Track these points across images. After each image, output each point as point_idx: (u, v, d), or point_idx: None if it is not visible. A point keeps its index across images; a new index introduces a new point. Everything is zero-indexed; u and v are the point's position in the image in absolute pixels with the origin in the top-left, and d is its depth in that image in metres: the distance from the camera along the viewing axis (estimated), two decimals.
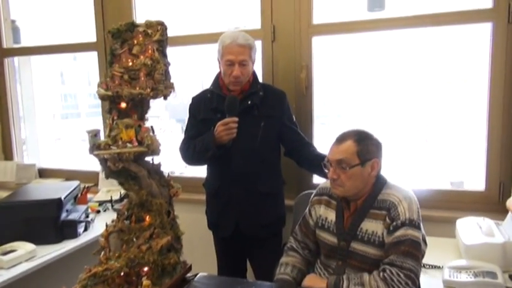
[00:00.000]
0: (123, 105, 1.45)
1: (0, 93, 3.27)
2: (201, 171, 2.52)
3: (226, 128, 1.87)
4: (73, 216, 2.16)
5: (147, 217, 1.43)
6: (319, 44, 2.42)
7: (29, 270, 1.82)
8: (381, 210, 1.53)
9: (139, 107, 1.48)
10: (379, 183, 1.59)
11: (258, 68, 2.18)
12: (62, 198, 2.07)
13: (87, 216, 2.30)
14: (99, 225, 2.25)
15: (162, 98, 1.45)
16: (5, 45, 3.24)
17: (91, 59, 3.03)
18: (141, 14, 2.81)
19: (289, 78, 2.44)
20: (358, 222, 1.56)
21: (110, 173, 1.38)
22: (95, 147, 1.34)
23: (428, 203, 2.17)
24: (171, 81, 1.47)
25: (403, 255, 1.41)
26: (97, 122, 3.18)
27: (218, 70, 2.05)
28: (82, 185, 2.56)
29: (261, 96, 1.99)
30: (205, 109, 2.04)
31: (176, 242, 1.50)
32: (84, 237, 2.13)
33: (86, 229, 2.20)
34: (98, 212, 2.50)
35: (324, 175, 1.91)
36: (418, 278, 1.44)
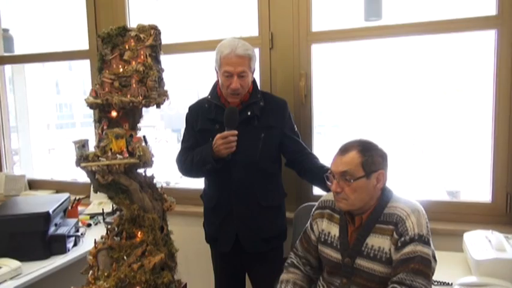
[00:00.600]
0: (114, 113, 1.37)
1: None
2: (198, 183, 2.43)
3: (225, 141, 1.78)
4: (62, 230, 2.06)
5: (139, 233, 1.35)
6: (316, 52, 2.35)
7: None
8: (388, 224, 1.44)
9: (131, 116, 1.41)
10: (385, 196, 1.51)
11: (255, 76, 2.11)
12: (50, 212, 1.97)
13: (77, 230, 2.20)
14: (90, 239, 2.13)
15: (155, 106, 1.37)
16: None
17: (86, 68, 2.96)
18: (135, 22, 2.74)
19: (288, 87, 2.37)
20: (364, 238, 1.47)
21: (98, 187, 1.29)
22: (82, 158, 1.26)
23: (432, 215, 2.07)
24: (165, 88, 1.39)
25: (413, 273, 1.33)
26: (92, 132, 3.10)
27: (216, 79, 1.97)
28: (73, 197, 2.47)
29: (262, 106, 1.91)
30: (203, 119, 1.95)
31: (170, 259, 1.41)
32: (74, 253, 2.03)
33: (75, 244, 2.11)
34: (89, 225, 2.40)
35: (326, 188, 1.83)
36: None
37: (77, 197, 2.55)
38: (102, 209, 2.50)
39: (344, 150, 1.51)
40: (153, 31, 1.37)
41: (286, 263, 1.71)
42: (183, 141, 2.04)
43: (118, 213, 2.47)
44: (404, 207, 1.45)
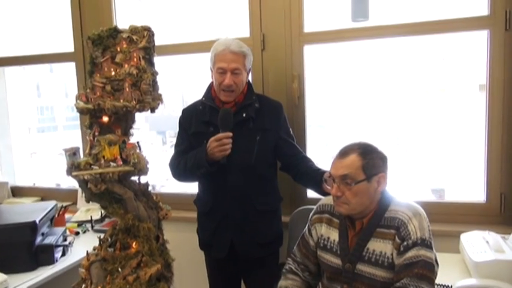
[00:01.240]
0: (106, 119, 1.31)
1: None
2: (189, 187, 2.38)
3: (219, 144, 1.74)
4: (49, 240, 1.98)
5: (134, 243, 1.29)
6: (305, 52, 2.32)
7: None
8: (389, 228, 1.42)
9: (123, 121, 1.35)
10: (385, 199, 1.48)
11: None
12: (37, 221, 1.89)
13: (65, 240, 2.12)
14: (79, 249, 2.07)
15: (150, 111, 1.31)
16: None
17: (68, 70, 2.87)
18: (122, 23, 2.67)
19: (281, 88, 2.34)
20: (365, 242, 1.45)
21: (91, 196, 1.23)
22: (74, 167, 1.19)
23: (427, 216, 2.07)
24: (159, 92, 1.33)
25: (417, 278, 1.31)
26: (75, 136, 3.01)
27: (210, 80, 1.93)
28: (59, 204, 2.38)
29: (257, 108, 1.87)
30: (196, 122, 1.90)
31: (166, 269, 1.36)
32: (62, 263, 1.95)
33: (63, 254, 2.03)
34: (77, 233, 2.32)
35: (322, 192, 1.80)
36: None
37: (64, 204, 2.46)
38: (91, 216, 2.42)
39: (344, 153, 1.48)
40: (146, 32, 1.32)
41: (284, 269, 1.68)
42: (176, 145, 1.98)
43: (107, 219, 2.42)
44: (405, 210, 1.43)
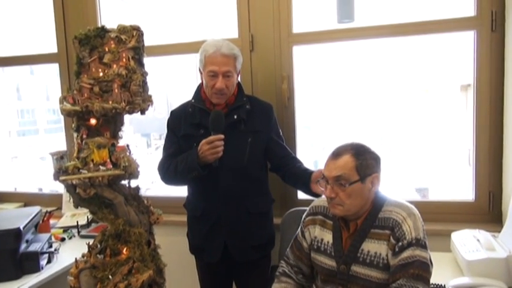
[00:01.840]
0: (93, 121, 1.27)
1: None
2: (177, 190, 2.34)
3: (211, 147, 1.71)
4: (34, 247, 1.91)
5: (125, 249, 1.25)
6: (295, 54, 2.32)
7: None
8: (384, 229, 1.41)
9: (112, 123, 1.31)
10: (379, 199, 1.48)
11: None
12: (21, 228, 1.82)
13: (50, 246, 2.05)
14: (65, 255, 2.02)
15: (140, 112, 1.27)
16: None
17: (49, 72, 2.80)
18: (107, 24, 2.61)
19: (270, 90, 2.32)
20: (359, 243, 1.44)
21: (79, 201, 1.19)
22: (62, 171, 1.15)
23: None
24: (149, 93, 1.30)
25: (413, 279, 1.31)
26: (58, 139, 2.93)
27: (200, 81, 1.89)
28: (43, 210, 2.31)
29: (248, 109, 1.85)
30: (186, 124, 1.87)
31: (158, 275, 1.32)
32: (48, 271, 1.89)
33: (49, 261, 1.96)
34: (63, 240, 2.25)
35: (310, 193, 1.79)
36: None
37: (48, 210, 2.39)
38: (77, 222, 2.36)
39: (337, 154, 1.47)
40: (135, 32, 1.28)
41: (278, 272, 1.66)
42: (164, 148, 1.94)
43: (94, 224, 2.36)
44: (399, 210, 1.43)
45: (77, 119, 1.25)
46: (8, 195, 2.96)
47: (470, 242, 1.76)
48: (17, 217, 1.97)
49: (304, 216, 1.66)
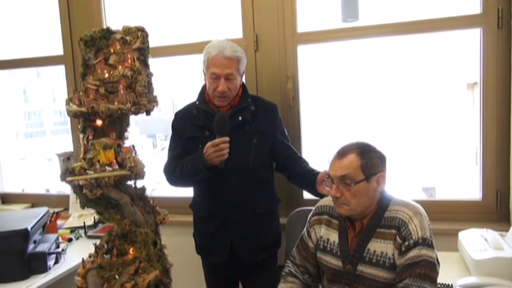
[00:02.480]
0: (99, 122, 1.28)
1: None
2: (183, 190, 2.34)
3: (216, 149, 1.71)
4: (42, 247, 1.93)
5: (131, 249, 1.26)
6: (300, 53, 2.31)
7: None
8: (390, 228, 1.41)
9: (118, 124, 1.32)
10: (385, 198, 1.47)
11: None
12: (29, 228, 1.84)
13: (57, 247, 2.07)
14: (72, 256, 2.03)
15: (145, 113, 1.28)
16: None
17: (56, 74, 2.83)
18: (112, 26, 2.62)
19: (275, 89, 2.32)
20: (365, 243, 1.43)
21: (86, 202, 1.20)
22: (68, 172, 1.16)
23: None
24: (154, 94, 1.30)
25: (420, 279, 1.30)
26: (64, 141, 2.95)
27: (204, 82, 1.89)
28: (51, 211, 2.33)
29: (252, 110, 1.85)
30: (191, 126, 1.87)
31: (165, 275, 1.33)
32: (55, 271, 1.90)
33: (56, 261, 1.97)
34: (70, 240, 2.27)
35: (316, 193, 1.79)
36: None
37: (55, 211, 2.41)
38: (84, 222, 2.37)
39: (342, 153, 1.47)
40: (140, 33, 1.29)
41: (284, 272, 1.66)
42: (170, 150, 1.94)
43: (100, 225, 2.37)
44: (406, 210, 1.42)
45: (83, 120, 1.26)
46: (15, 196, 2.99)
47: (477, 242, 1.74)
48: (25, 218, 1.99)
49: (309, 216, 1.65)
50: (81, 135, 1.27)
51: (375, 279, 1.41)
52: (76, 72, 2.63)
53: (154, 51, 2.37)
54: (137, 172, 1.20)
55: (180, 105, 2.03)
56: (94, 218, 2.40)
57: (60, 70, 2.76)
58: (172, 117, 1.99)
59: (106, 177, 1.16)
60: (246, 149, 1.82)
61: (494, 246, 1.65)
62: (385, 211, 1.44)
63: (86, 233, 2.34)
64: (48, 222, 2.21)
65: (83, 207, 1.22)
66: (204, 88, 1.90)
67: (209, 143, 1.71)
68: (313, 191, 1.81)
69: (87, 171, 1.16)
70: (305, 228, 1.66)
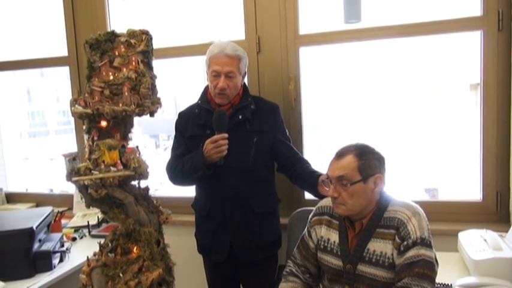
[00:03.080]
0: (104, 123, 1.30)
1: None
2: (186, 190, 2.37)
3: (215, 146, 1.73)
4: (46, 246, 1.95)
5: (135, 248, 1.28)
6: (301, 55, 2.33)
7: None
8: (389, 229, 1.43)
9: (122, 126, 1.35)
10: (384, 199, 1.49)
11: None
12: (34, 227, 1.86)
13: (62, 246, 2.09)
14: (76, 254, 2.06)
15: (149, 115, 1.31)
16: None
17: (59, 75, 2.86)
18: (116, 27, 2.65)
19: (277, 91, 2.34)
20: (365, 243, 1.45)
21: (91, 201, 1.22)
22: (74, 172, 1.18)
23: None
24: (158, 96, 1.33)
25: (418, 278, 1.32)
26: (68, 140, 2.99)
27: (206, 83, 1.92)
28: (55, 210, 2.36)
29: (253, 110, 1.87)
30: (193, 125, 1.90)
31: (168, 274, 1.35)
32: (60, 270, 1.93)
33: (61, 260, 2.00)
34: (74, 239, 2.30)
35: (317, 195, 1.81)
36: None
37: (60, 210, 2.44)
38: (88, 222, 2.40)
39: (340, 154, 1.49)
40: (144, 36, 1.31)
41: (285, 271, 1.68)
42: (173, 149, 1.97)
43: (104, 224, 2.40)
44: (404, 210, 1.44)
45: (88, 121, 1.28)
46: (20, 195, 3.02)
47: (477, 242, 1.76)
48: (30, 217, 2.01)
49: (310, 216, 1.67)
50: (86, 136, 1.30)
51: (375, 278, 1.43)
52: (80, 73, 2.66)
53: (157, 52, 2.40)
54: (141, 172, 1.22)
55: (183, 106, 2.06)
56: (98, 217, 2.43)
57: (63, 70, 2.79)
58: (175, 118, 2.02)
59: (111, 177, 1.18)
60: (246, 148, 1.84)
61: (493, 247, 1.67)
62: (384, 211, 1.46)
63: (89, 232, 2.37)
64: (52, 222, 2.23)
65: (88, 206, 1.25)
66: (206, 88, 1.93)
67: (208, 140, 1.74)
68: (314, 192, 1.83)
69: (92, 171, 1.19)
70: (306, 229, 1.68)
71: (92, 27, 2.60)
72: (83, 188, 1.20)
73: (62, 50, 2.78)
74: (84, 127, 1.35)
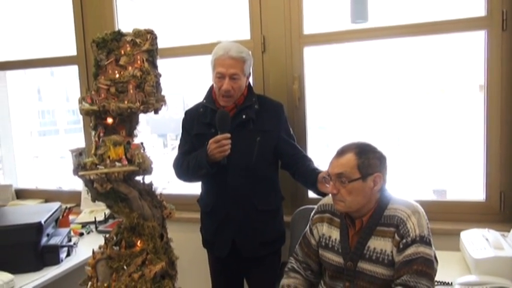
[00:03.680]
0: (110, 120, 1.34)
1: None
2: (190, 188, 2.40)
3: (218, 145, 1.77)
4: (54, 240, 2.01)
5: (139, 242, 1.32)
6: (306, 54, 2.35)
7: None
8: (389, 227, 1.44)
9: (128, 122, 1.38)
10: (384, 198, 1.50)
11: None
12: (42, 222, 1.91)
13: (69, 240, 2.15)
14: (83, 249, 2.10)
15: (153, 112, 1.34)
16: None
17: (69, 74, 2.90)
18: (124, 27, 2.70)
19: (281, 90, 2.36)
20: (365, 241, 1.47)
21: (97, 195, 1.26)
22: (80, 167, 1.22)
23: (427, 214, 2.07)
24: (162, 93, 1.36)
25: (417, 275, 1.33)
26: (77, 139, 3.04)
27: (211, 83, 1.95)
28: (63, 206, 2.41)
29: (257, 109, 1.90)
30: (198, 124, 1.94)
31: (171, 267, 1.38)
32: (67, 263, 1.98)
33: (68, 254, 2.05)
34: (81, 234, 2.35)
35: (318, 192, 1.83)
36: None
37: (68, 206, 2.49)
38: (95, 218, 2.45)
39: (341, 152, 1.51)
40: (149, 35, 1.35)
41: (287, 267, 1.70)
42: (179, 146, 2.02)
43: (111, 220, 2.44)
44: (404, 208, 1.45)
45: (95, 118, 1.32)
46: (29, 192, 3.08)
47: (478, 241, 1.76)
48: (39, 212, 2.07)
49: (312, 214, 1.69)
50: (92, 132, 1.34)
51: (375, 275, 1.44)
52: (89, 72, 2.71)
53: (164, 51, 2.44)
54: (145, 168, 1.26)
55: (191, 106, 2.10)
56: (104, 213, 2.48)
57: (73, 70, 2.84)
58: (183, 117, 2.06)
59: (116, 172, 1.22)
60: (250, 147, 1.87)
61: (494, 246, 1.67)
62: (385, 210, 1.48)
63: (96, 227, 2.41)
64: (60, 217, 2.29)
65: (94, 200, 1.28)
66: (212, 87, 1.96)
67: (211, 140, 1.78)
68: (315, 189, 1.86)
69: (98, 166, 1.23)
70: (308, 226, 1.69)
71: (100, 27, 2.64)
72: (88, 183, 1.24)
73: (71, 50, 2.83)
74: (91, 124, 1.38)
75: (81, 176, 1.22)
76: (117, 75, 1.32)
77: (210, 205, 1.96)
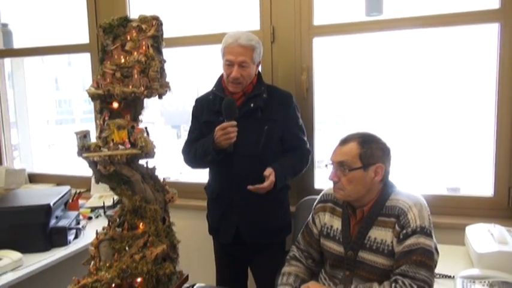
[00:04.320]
0: (115, 104, 1.36)
1: None
2: (200, 177, 2.44)
3: (224, 132, 1.79)
4: (63, 223, 2.06)
5: (141, 224, 1.34)
6: (318, 46, 2.34)
7: (14, 280, 1.73)
8: (390, 217, 1.44)
9: (133, 107, 1.39)
10: (387, 189, 1.50)
11: None
12: (51, 204, 1.97)
13: (78, 223, 2.20)
14: (91, 232, 2.11)
15: (157, 97, 1.35)
16: None
17: (85, 63, 2.94)
18: (136, 16, 2.72)
19: (290, 81, 2.36)
20: (366, 230, 1.47)
21: (100, 177, 1.28)
22: (84, 149, 1.25)
23: (434, 209, 2.04)
24: (167, 79, 1.37)
25: (416, 265, 1.33)
26: (91, 128, 3.10)
27: (222, 71, 1.97)
28: (74, 191, 2.46)
29: (265, 98, 1.91)
30: (207, 111, 1.97)
31: (172, 250, 1.40)
32: (75, 245, 2.03)
33: (76, 236, 2.11)
34: (90, 218, 2.40)
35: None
36: None
37: (78, 190, 2.54)
38: (103, 202, 2.50)
39: (344, 141, 1.51)
40: (154, 21, 1.35)
41: (288, 256, 1.71)
42: (189, 133, 2.07)
43: (119, 205, 2.49)
44: (406, 199, 1.45)
45: (100, 102, 1.34)
46: (41, 176, 3.15)
47: (483, 236, 1.75)
48: (48, 195, 2.13)
49: (315, 203, 1.70)
50: (98, 116, 1.36)
51: (375, 265, 1.45)
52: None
53: (173, 41, 2.47)
54: (147, 151, 1.27)
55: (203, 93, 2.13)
56: (113, 199, 2.53)
57: (89, 59, 2.89)
58: None
59: (119, 154, 1.24)
60: (257, 136, 1.88)
61: (499, 241, 1.66)
62: (387, 200, 1.47)
63: (105, 212, 2.47)
64: (70, 201, 2.34)
65: (97, 182, 1.31)
66: (221, 76, 1.98)
67: (218, 127, 1.80)
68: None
69: (101, 148, 1.25)
70: (310, 215, 1.70)
71: (112, 15, 2.62)
72: (92, 164, 1.26)
73: (84, 38, 2.87)
74: (96, 108, 1.41)
75: (85, 158, 1.25)
76: (123, 60, 1.33)
77: (216, 192, 1.99)
